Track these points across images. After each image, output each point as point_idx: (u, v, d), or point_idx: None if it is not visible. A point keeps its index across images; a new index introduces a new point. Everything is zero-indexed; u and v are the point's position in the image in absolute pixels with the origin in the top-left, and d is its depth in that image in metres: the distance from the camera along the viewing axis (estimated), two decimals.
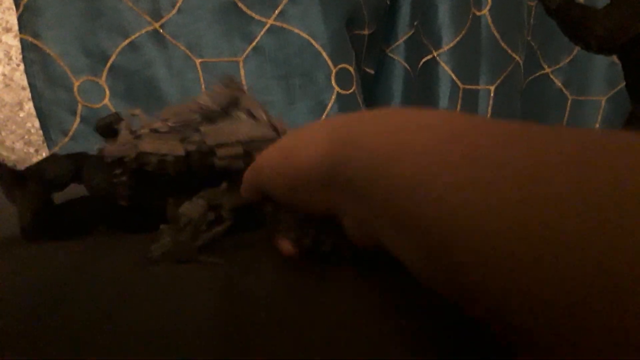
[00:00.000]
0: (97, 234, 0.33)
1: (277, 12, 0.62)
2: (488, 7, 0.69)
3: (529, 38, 0.76)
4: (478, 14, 0.69)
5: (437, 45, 0.68)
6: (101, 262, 0.27)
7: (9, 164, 0.30)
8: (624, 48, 0.27)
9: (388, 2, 0.74)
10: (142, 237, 0.32)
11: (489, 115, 0.71)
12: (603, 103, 0.79)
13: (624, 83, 0.78)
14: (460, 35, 0.68)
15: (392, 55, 0.80)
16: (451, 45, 0.68)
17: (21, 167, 0.32)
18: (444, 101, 0.69)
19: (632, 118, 0.27)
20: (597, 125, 0.80)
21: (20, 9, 0.55)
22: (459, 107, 0.69)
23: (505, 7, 0.70)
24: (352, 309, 0.21)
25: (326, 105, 0.63)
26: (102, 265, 0.27)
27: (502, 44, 0.69)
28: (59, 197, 0.32)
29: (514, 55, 0.70)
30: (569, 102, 0.81)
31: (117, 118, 0.33)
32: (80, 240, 0.31)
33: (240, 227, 0.30)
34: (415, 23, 0.74)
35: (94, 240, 0.31)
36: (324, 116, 0.63)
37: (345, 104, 0.64)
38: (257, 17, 0.61)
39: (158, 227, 0.33)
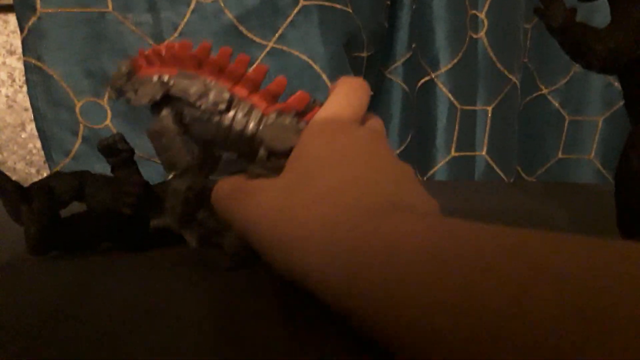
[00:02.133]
0: (100, 251, 0.33)
1: (277, 35, 0.63)
2: (484, 30, 0.70)
3: (525, 60, 0.77)
4: (475, 36, 0.70)
5: (435, 67, 0.69)
6: (104, 279, 0.27)
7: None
8: (626, 68, 0.27)
9: (386, 26, 0.75)
10: (145, 254, 0.32)
11: (486, 134, 0.71)
12: (600, 123, 0.79)
13: (621, 103, 0.78)
14: (458, 58, 0.69)
15: (390, 76, 0.80)
16: (449, 67, 0.69)
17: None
18: (442, 122, 0.70)
19: (633, 138, 0.27)
20: (595, 145, 0.80)
21: (25, 32, 0.56)
22: (457, 127, 0.70)
23: (502, 30, 0.71)
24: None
25: None
26: (106, 282, 0.27)
27: (499, 66, 0.70)
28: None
29: (510, 76, 0.71)
30: (567, 122, 0.82)
31: (119, 138, 0.33)
32: (84, 257, 0.31)
33: None
34: (413, 46, 0.75)
35: (97, 257, 0.31)
36: None
37: None
38: (257, 40, 0.62)
39: (160, 244, 0.34)
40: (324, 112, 0.26)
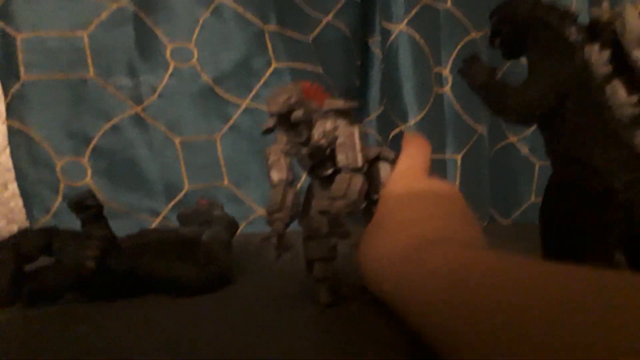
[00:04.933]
0: (65, 302, 0.34)
1: (251, 94, 0.66)
2: (449, 85, 0.75)
3: None
4: (440, 91, 0.74)
5: (404, 120, 0.73)
6: (69, 328, 0.29)
7: None
8: (541, 119, 0.30)
9: (358, 84, 0.80)
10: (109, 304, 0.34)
11: (457, 181, 0.74)
12: None
13: None
14: (425, 111, 0.72)
15: (365, 129, 0.84)
16: (417, 119, 0.72)
17: None
18: None
19: (549, 186, 0.30)
20: None
21: (9, 97, 0.59)
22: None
23: (466, 85, 0.75)
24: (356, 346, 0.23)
25: (300, 177, 0.67)
26: (71, 330, 0.28)
27: (465, 118, 0.74)
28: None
29: (476, 127, 0.75)
30: (537, 168, 0.85)
31: (88, 194, 0.35)
32: (50, 308, 0.33)
33: None
34: (384, 101, 0.79)
35: (62, 308, 0.33)
36: (298, 186, 0.66)
37: None
38: (232, 100, 0.66)
39: (124, 295, 0.35)
40: (400, 165, 0.33)
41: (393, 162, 0.34)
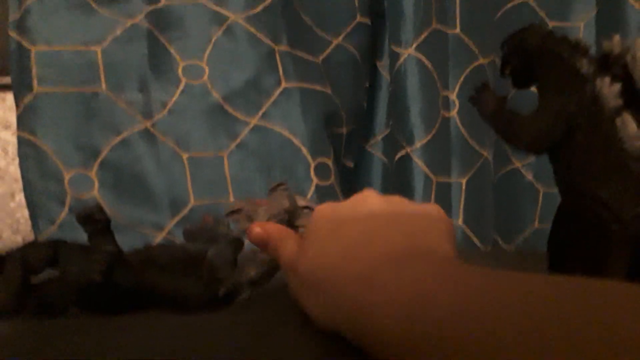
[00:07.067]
0: (69, 315, 0.34)
1: (260, 113, 0.67)
2: (456, 110, 0.75)
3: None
4: (447, 115, 0.74)
5: (410, 142, 0.73)
6: (73, 343, 0.29)
7: None
8: (551, 149, 0.30)
9: (365, 105, 0.81)
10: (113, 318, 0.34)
11: (461, 205, 0.74)
12: None
13: None
14: (431, 135, 0.73)
15: (370, 150, 0.85)
16: (423, 142, 0.73)
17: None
18: (418, 193, 0.73)
19: (558, 213, 0.30)
20: None
21: (21, 109, 0.59)
22: (432, 198, 0.73)
23: (473, 110, 0.76)
24: None
25: (306, 195, 0.67)
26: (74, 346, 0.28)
27: (471, 142, 0.75)
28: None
29: (482, 152, 0.75)
30: (541, 194, 0.85)
31: (96, 208, 0.35)
32: (53, 321, 0.33)
33: None
34: (390, 123, 0.79)
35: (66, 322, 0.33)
36: None
37: (323, 194, 0.68)
38: (241, 117, 0.66)
39: (127, 310, 0.35)
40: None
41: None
